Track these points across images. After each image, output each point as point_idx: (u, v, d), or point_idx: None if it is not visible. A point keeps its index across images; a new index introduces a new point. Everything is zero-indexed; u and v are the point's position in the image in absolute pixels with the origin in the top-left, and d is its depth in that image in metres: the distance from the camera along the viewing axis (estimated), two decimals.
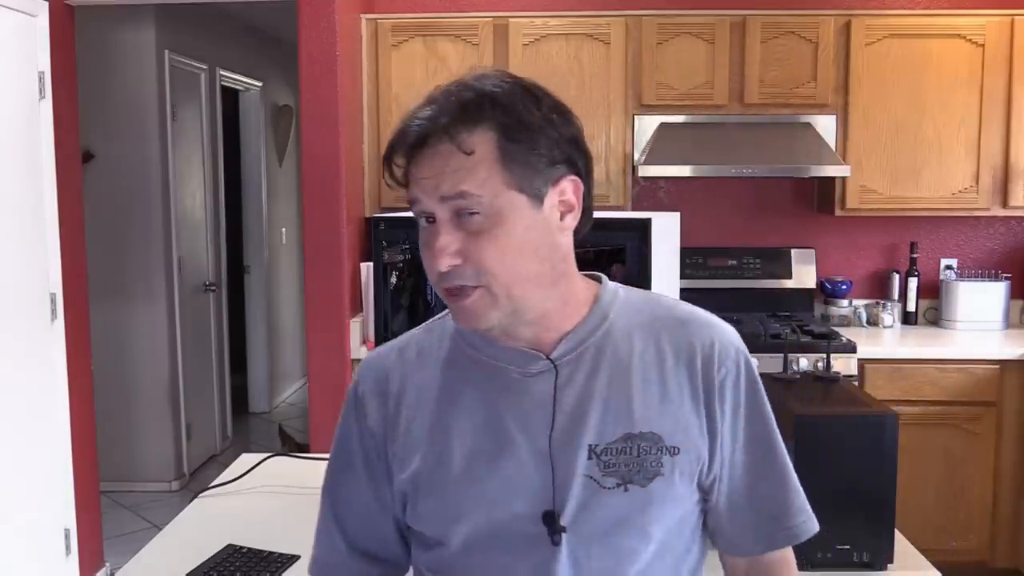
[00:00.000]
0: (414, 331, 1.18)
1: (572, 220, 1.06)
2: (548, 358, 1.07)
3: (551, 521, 1.03)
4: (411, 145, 1.02)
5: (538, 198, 1.02)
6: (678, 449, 1.05)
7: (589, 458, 1.04)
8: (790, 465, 1.13)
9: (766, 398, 1.12)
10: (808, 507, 1.14)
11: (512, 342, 1.08)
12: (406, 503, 1.11)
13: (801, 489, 1.14)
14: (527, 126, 1.01)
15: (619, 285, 1.15)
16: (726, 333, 1.11)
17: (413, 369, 1.13)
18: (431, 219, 1.02)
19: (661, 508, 1.05)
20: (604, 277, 1.15)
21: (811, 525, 1.13)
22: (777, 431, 1.12)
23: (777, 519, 1.12)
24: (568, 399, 1.06)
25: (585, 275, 1.14)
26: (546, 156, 1.02)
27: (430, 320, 1.18)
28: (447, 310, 1.10)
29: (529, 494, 1.04)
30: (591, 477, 1.03)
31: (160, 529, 1.89)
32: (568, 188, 1.04)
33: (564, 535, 1.03)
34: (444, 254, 1.00)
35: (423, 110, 1.02)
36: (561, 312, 1.08)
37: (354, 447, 1.15)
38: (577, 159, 1.06)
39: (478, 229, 0.99)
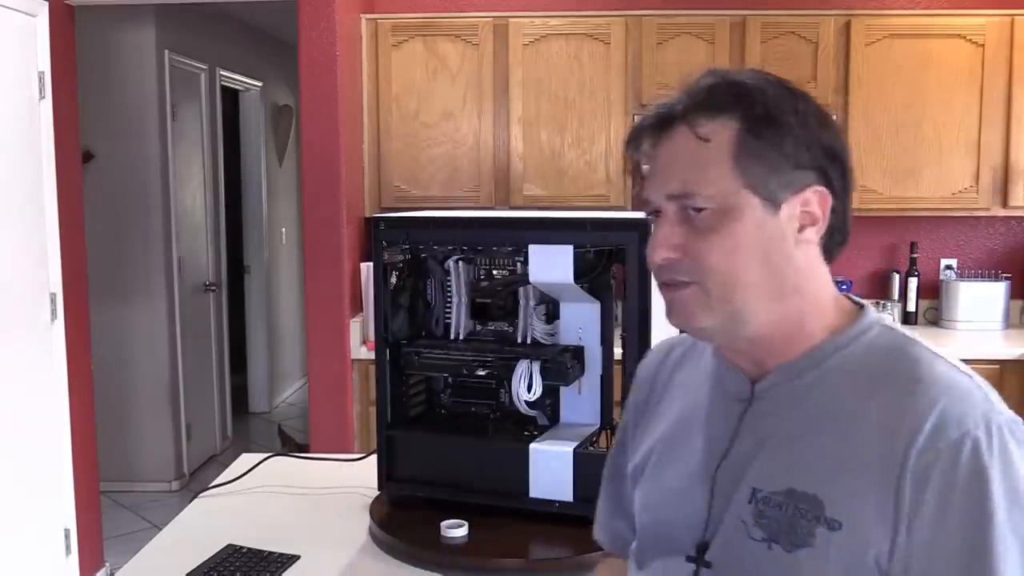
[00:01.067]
0: None
1: (814, 233, 0.95)
2: (753, 385, 1.00)
3: (701, 551, 0.99)
4: (650, 126, 0.98)
5: (774, 202, 0.93)
6: (840, 524, 0.89)
7: (749, 501, 0.95)
8: None
9: (1010, 506, 0.86)
10: None
11: (739, 360, 1.02)
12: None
13: None
14: (774, 121, 0.93)
15: (881, 321, 0.99)
16: (961, 405, 0.89)
17: (672, 368, 1.15)
18: (658, 212, 0.98)
19: None
20: (869, 309, 1.00)
21: None
22: (1009, 550, 0.85)
23: None
24: (751, 433, 0.99)
25: (853, 302, 1.02)
26: (791, 158, 0.93)
27: None
28: None
29: (690, 518, 1.01)
30: (744, 521, 0.95)
31: (160, 529, 1.89)
32: (813, 200, 0.94)
33: (705, 572, 0.98)
34: (662, 246, 0.95)
35: (672, 97, 0.98)
36: (788, 336, 0.97)
37: (625, 427, 1.20)
38: (831, 171, 0.95)
39: (705, 227, 0.93)
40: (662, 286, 0.98)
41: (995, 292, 3.89)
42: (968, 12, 3.76)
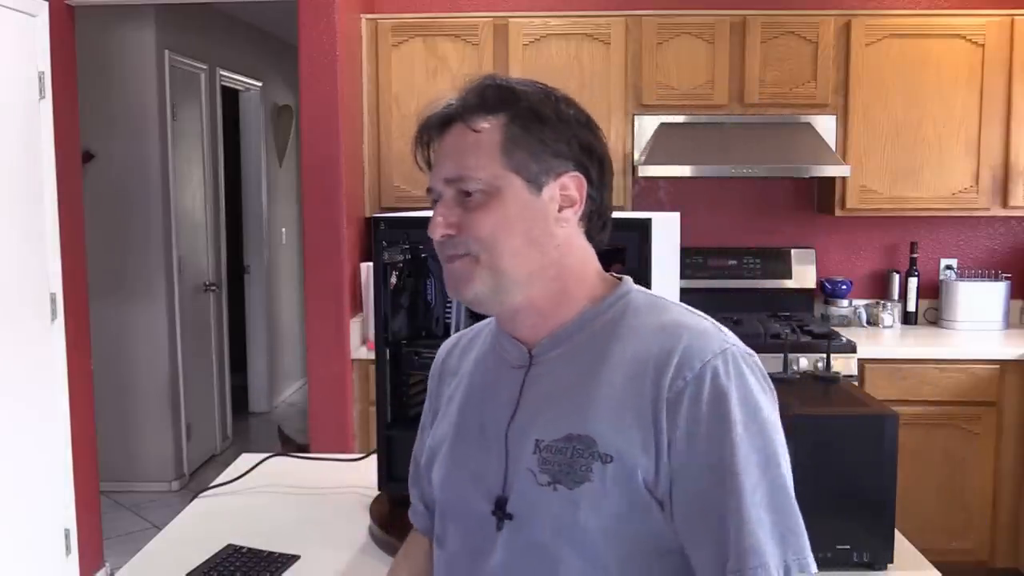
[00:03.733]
0: (487, 319, 1.27)
1: (572, 214, 1.10)
2: (530, 351, 1.12)
3: (500, 507, 1.09)
4: (433, 126, 1.11)
5: (536, 184, 1.07)
6: (611, 457, 1.01)
7: (533, 452, 1.07)
8: (754, 501, 0.98)
9: (746, 421, 1.00)
10: (769, 554, 0.97)
11: (517, 331, 1.14)
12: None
13: (768, 532, 0.98)
14: (537, 116, 1.08)
15: (640, 290, 1.14)
16: (700, 342, 1.03)
17: (462, 353, 1.25)
18: (439, 199, 1.11)
19: (592, 516, 1.02)
20: (628, 280, 1.15)
21: (763, 574, 0.97)
22: (750, 459, 0.99)
23: (728, 560, 0.98)
24: (533, 393, 1.11)
25: (614, 276, 1.16)
26: (551, 148, 1.08)
27: None
28: None
29: (489, 479, 1.11)
30: (531, 471, 1.06)
31: (160, 529, 1.89)
32: (571, 184, 1.09)
33: (508, 523, 1.08)
34: (440, 225, 1.08)
35: (450, 98, 1.11)
36: (556, 306, 1.11)
37: (426, 411, 1.30)
38: (588, 164, 1.10)
39: (475, 205, 1.07)
40: (444, 261, 1.11)
41: (995, 292, 3.89)
42: (968, 12, 3.77)
